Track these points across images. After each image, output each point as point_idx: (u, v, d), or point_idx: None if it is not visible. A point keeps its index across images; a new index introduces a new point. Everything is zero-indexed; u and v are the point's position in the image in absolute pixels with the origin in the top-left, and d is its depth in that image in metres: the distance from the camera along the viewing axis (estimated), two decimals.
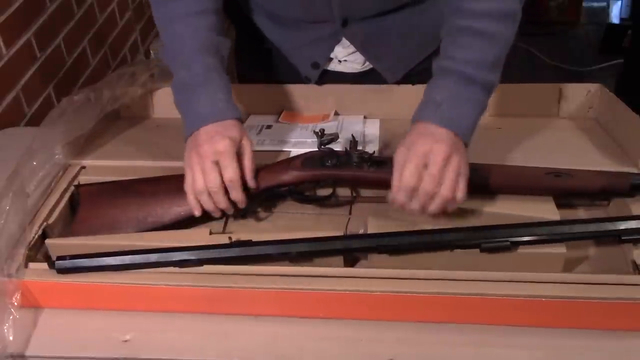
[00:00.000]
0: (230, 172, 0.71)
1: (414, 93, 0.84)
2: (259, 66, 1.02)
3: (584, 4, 3.15)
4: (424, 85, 0.74)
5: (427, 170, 0.66)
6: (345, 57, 0.96)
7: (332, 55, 0.96)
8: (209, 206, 0.72)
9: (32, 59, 1.23)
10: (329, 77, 0.98)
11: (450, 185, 0.66)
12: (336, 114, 0.98)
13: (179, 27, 0.78)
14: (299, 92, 0.99)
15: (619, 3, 3.12)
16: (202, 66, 0.76)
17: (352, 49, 0.95)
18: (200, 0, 0.79)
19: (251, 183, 0.74)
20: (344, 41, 0.93)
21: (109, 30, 1.61)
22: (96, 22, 1.53)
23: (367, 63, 0.97)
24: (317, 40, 0.93)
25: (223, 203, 0.72)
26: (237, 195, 0.73)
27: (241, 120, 0.76)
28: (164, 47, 0.81)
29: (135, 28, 1.79)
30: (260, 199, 0.77)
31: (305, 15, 0.90)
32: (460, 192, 0.67)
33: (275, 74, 1.00)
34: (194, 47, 0.77)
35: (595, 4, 3.24)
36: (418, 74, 0.95)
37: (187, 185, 0.72)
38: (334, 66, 0.98)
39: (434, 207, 0.67)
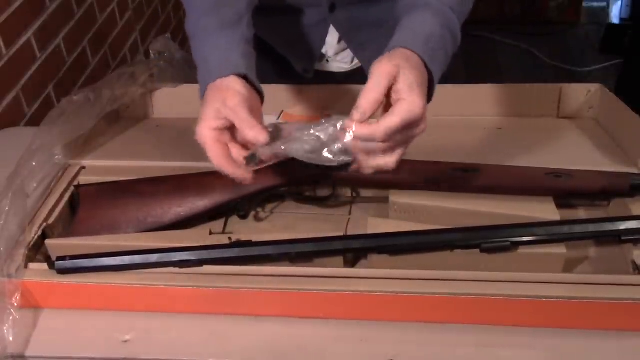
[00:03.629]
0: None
1: None
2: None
3: (584, 4, 3.15)
4: None
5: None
6: (334, 55, 0.97)
7: (323, 51, 0.98)
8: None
9: (32, 59, 1.23)
10: (319, 77, 0.99)
11: None
12: (337, 114, 0.98)
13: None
14: (299, 92, 0.99)
15: (619, 3, 3.12)
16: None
17: (342, 45, 0.97)
18: None
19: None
20: (333, 33, 0.94)
21: (109, 30, 1.61)
22: (96, 22, 1.53)
23: (355, 62, 0.99)
24: (308, 28, 0.94)
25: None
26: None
27: (240, 74, 0.65)
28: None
29: (135, 28, 1.79)
30: (260, 199, 0.77)
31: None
32: None
33: (272, 73, 1.00)
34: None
35: (595, 4, 3.24)
36: None
37: None
38: (323, 65, 1.00)
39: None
